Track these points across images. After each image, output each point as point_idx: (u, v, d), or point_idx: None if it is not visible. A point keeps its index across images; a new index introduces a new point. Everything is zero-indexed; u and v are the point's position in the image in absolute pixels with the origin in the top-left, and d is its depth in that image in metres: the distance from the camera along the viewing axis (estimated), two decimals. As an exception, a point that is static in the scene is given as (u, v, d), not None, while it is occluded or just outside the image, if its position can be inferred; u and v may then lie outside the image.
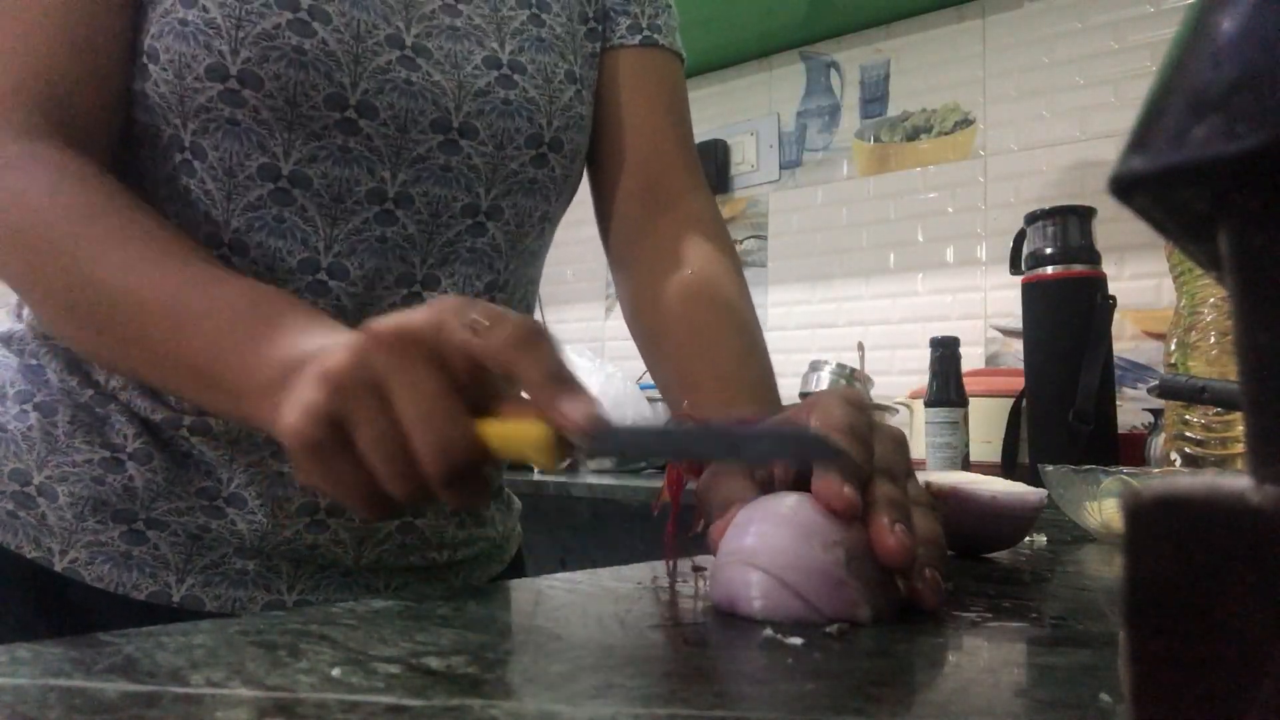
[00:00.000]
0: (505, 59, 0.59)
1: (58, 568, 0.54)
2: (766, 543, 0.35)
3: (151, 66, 0.52)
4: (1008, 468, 1.31)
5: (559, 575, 0.44)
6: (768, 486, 0.43)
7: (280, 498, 0.55)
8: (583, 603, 0.37)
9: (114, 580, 0.54)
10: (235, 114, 0.51)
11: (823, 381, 1.69)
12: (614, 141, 0.69)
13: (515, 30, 0.60)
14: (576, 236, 2.43)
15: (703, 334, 0.61)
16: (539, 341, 0.37)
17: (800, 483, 0.42)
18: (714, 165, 2.05)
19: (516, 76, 0.59)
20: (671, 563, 0.47)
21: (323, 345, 0.39)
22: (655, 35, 0.70)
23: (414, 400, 0.36)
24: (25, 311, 0.58)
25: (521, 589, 0.40)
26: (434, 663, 0.26)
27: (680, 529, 0.47)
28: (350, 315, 0.54)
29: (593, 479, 1.54)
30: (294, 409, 0.37)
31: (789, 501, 0.36)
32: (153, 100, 0.52)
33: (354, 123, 0.54)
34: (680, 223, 0.68)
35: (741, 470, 0.44)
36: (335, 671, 0.25)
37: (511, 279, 0.62)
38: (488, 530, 0.66)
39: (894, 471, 0.40)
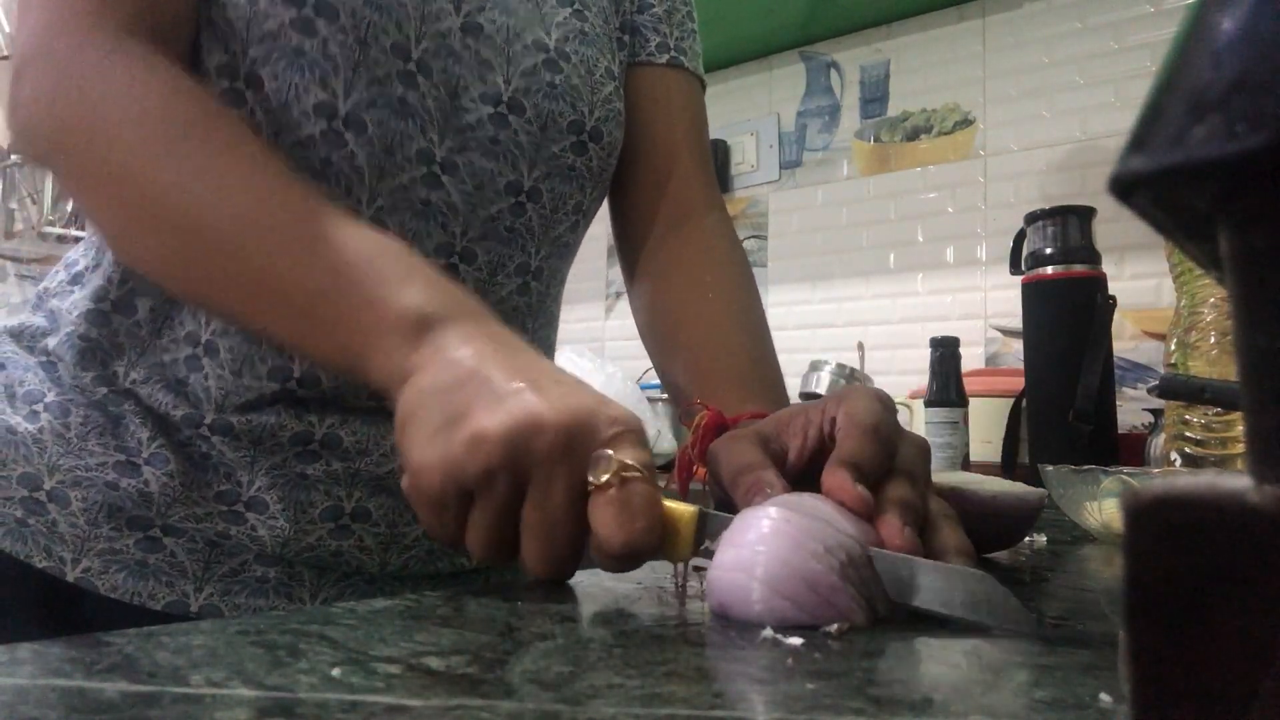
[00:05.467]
0: (552, 45, 0.60)
1: (70, 578, 0.52)
2: (763, 552, 0.35)
3: None
4: (1008, 468, 1.30)
5: (559, 575, 0.44)
6: (779, 458, 0.43)
7: (303, 502, 0.54)
8: (583, 603, 0.37)
9: (129, 590, 0.52)
10: (303, 43, 0.50)
11: (823, 381, 1.69)
12: (638, 157, 0.70)
13: (559, 23, 0.61)
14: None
15: (717, 338, 0.61)
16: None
17: (811, 464, 0.42)
18: (714, 165, 2.05)
19: (561, 63, 0.60)
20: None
21: (489, 367, 0.38)
22: (681, 57, 0.71)
23: (544, 505, 0.37)
24: (48, 301, 0.57)
25: (521, 589, 0.40)
26: (434, 663, 0.26)
27: None
28: None
29: (593, 479, 1.54)
30: (437, 464, 0.37)
31: (784, 509, 0.36)
32: (217, 26, 0.51)
33: (413, 76, 0.53)
34: (697, 239, 0.69)
35: (755, 439, 0.44)
36: (335, 671, 0.25)
37: (545, 267, 0.62)
38: None
39: (914, 474, 0.40)
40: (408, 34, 0.53)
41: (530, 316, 0.62)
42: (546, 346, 0.65)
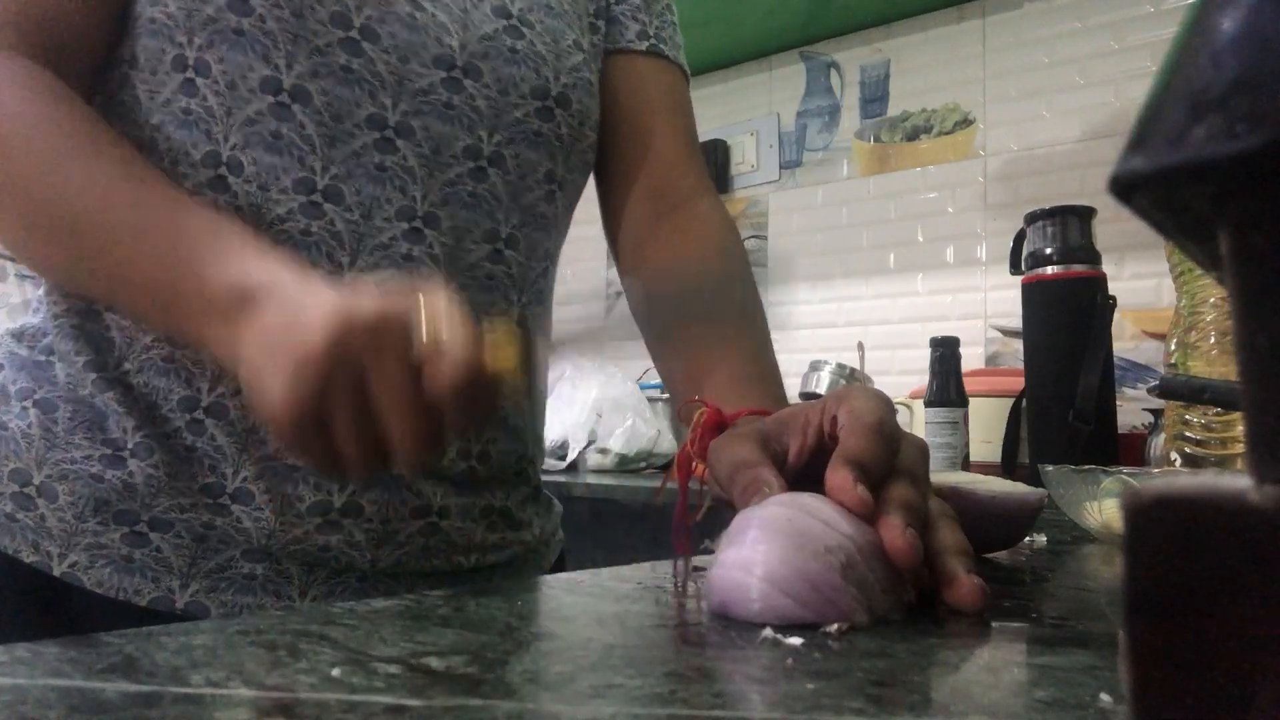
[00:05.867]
0: (515, 12, 0.60)
1: (56, 572, 0.52)
2: (763, 550, 0.35)
3: None
4: (1008, 468, 1.30)
5: (559, 575, 0.44)
6: (779, 457, 0.43)
7: (290, 495, 0.54)
8: (583, 603, 0.37)
9: (114, 585, 0.52)
10: (241, 23, 0.52)
11: (823, 381, 1.69)
12: (620, 145, 0.69)
13: None
14: (576, 236, 2.43)
15: (713, 333, 0.61)
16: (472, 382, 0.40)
17: (811, 464, 0.42)
18: (714, 165, 2.05)
19: (524, 29, 0.60)
20: (682, 559, 0.47)
21: (293, 304, 0.42)
22: (661, 45, 0.71)
23: (387, 384, 0.40)
24: (43, 302, 0.57)
25: (521, 589, 0.40)
26: (434, 663, 0.26)
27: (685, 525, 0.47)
28: (347, 243, 0.54)
29: (593, 479, 1.54)
30: (281, 397, 0.40)
31: (785, 507, 0.36)
32: (160, 22, 0.53)
33: (357, 44, 0.54)
34: (689, 224, 0.68)
35: (755, 438, 0.44)
36: (335, 671, 0.25)
37: (519, 236, 0.61)
38: (522, 534, 0.64)
39: (915, 474, 0.40)
40: (346, 2, 0.54)
41: (513, 288, 0.61)
42: (537, 325, 0.64)
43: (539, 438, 0.69)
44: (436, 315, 0.40)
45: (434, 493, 0.58)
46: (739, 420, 0.49)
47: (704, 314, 0.62)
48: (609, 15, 0.69)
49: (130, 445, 0.53)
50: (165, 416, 0.53)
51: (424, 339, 0.40)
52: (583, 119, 0.63)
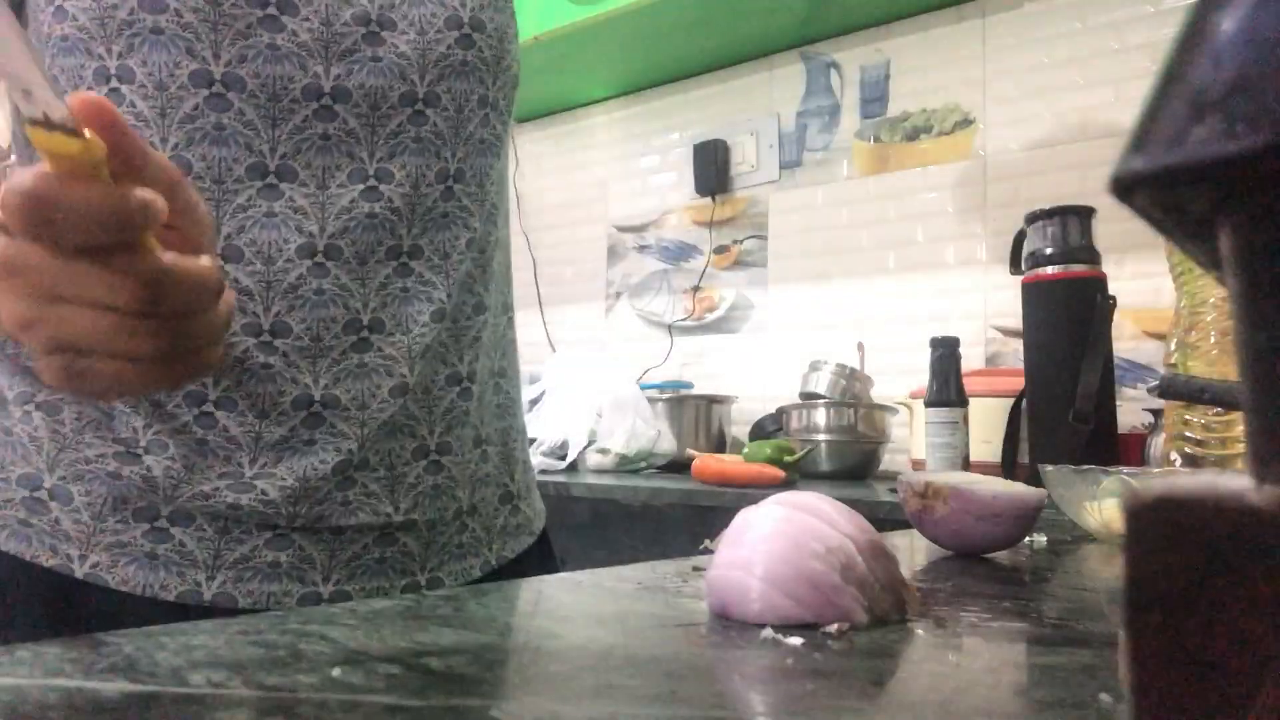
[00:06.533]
0: None
1: (79, 574, 0.52)
2: (763, 550, 0.35)
3: (66, 4, 0.52)
4: (1008, 468, 1.31)
5: (559, 575, 0.44)
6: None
7: (305, 467, 0.55)
8: (583, 603, 0.37)
9: (140, 582, 0.52)
10: (159, 21, 0.52)
11: (823, 381, 1.69)
12: None
13: None
14: (576, 237, 2.43)
15: None
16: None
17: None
18: (714, 165, 2.05)
19: None
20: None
21: None
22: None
23: (62, 235, 0.34)
24: None
25: (521, 589, 0.40)
26: (434, 663, 0.26)
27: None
28: (312, 215, 0.55)
29: (592, 479, 1.54)
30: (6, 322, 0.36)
31: (784, 507, 0.36)
32: (73, 38, 0.53)
33: (277, 19, 0.54)
34: None
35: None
36: (335, 671, 0.25)
37: (466, 169, 0.62)
38: (501, 467, 0.66)
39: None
40: None
41: (471, 218, 0.62)
42: (494, 242, 0.65)
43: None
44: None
45: (430, 431, 0.60)
46: None
47: None
48: None
49: (144, 442, 0.53)
50: (172, 413, 0.54)
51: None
52: (500, 37, 0.63)
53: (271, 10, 0.54)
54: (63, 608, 0.53)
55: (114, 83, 0.53)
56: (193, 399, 0.54)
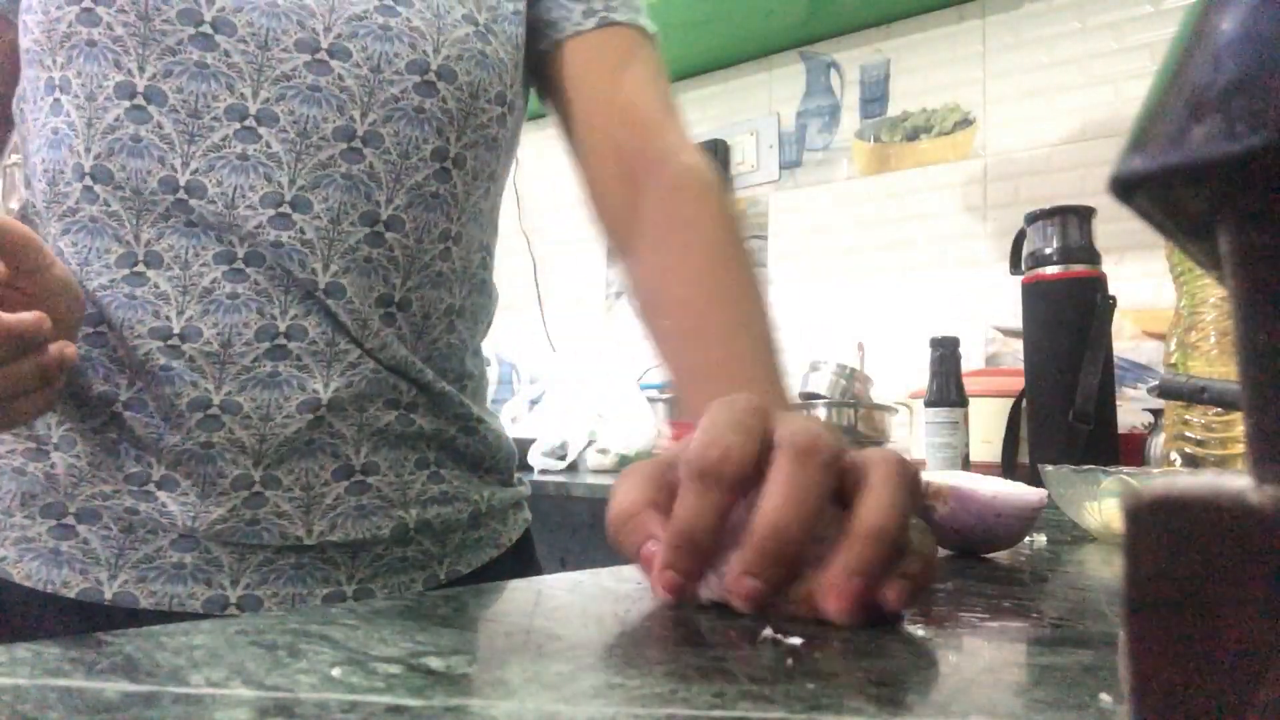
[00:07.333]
0: None
1: None
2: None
3: (26, 16, 0.55)
4: (1008, 468, 1.30)
5: (559, 575, 0.44)
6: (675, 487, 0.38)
7: (211, 473, 0.54)
8: (583, 603, 0.37)
9: (43, 578, 0.53)
10: (92, 34, 0.53)
11: (823, 381, 1.69)
12: (586, 127, 0.67)
13: None
14: (576, 237, 2.43)
15: (698, 325, 0.59)
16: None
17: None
18: (714, 161, 2.05)
19: (399, 7, 0.58)
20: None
21: None
22: (611, 14, 0.68)
23: None
24: None
25: (521, 589, 0.40)
26: (434, 663, 0.26)
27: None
28: (215, 233, 0.54)
29: (592, 479, 1.54)
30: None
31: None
32: (33, 51, 0.55)
33: (209, 38, 0.54)
34: (670, 189, 0.64)
35: (652, 470, 0.39)
36: (335, 671, 0.25)
37: (405, 219, 0.59)
38: (464, 489, 0.63)
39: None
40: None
41: (396, 271, 0.59)
42: (437, 308, 0.62)
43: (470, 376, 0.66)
44: None
45: (355, 450, 0.57)
46: None
47: (684, 301, 0.60)
48: (545, 9, 0.67)
49: (55, 439, 0.55)
50: (91, 412, 0.55)
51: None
52: (474, 91, 0.61)
53: (205, 28, 0.54)
54: None
55: (57, 93, 0.55)
56: (103, 399, 0.54)
